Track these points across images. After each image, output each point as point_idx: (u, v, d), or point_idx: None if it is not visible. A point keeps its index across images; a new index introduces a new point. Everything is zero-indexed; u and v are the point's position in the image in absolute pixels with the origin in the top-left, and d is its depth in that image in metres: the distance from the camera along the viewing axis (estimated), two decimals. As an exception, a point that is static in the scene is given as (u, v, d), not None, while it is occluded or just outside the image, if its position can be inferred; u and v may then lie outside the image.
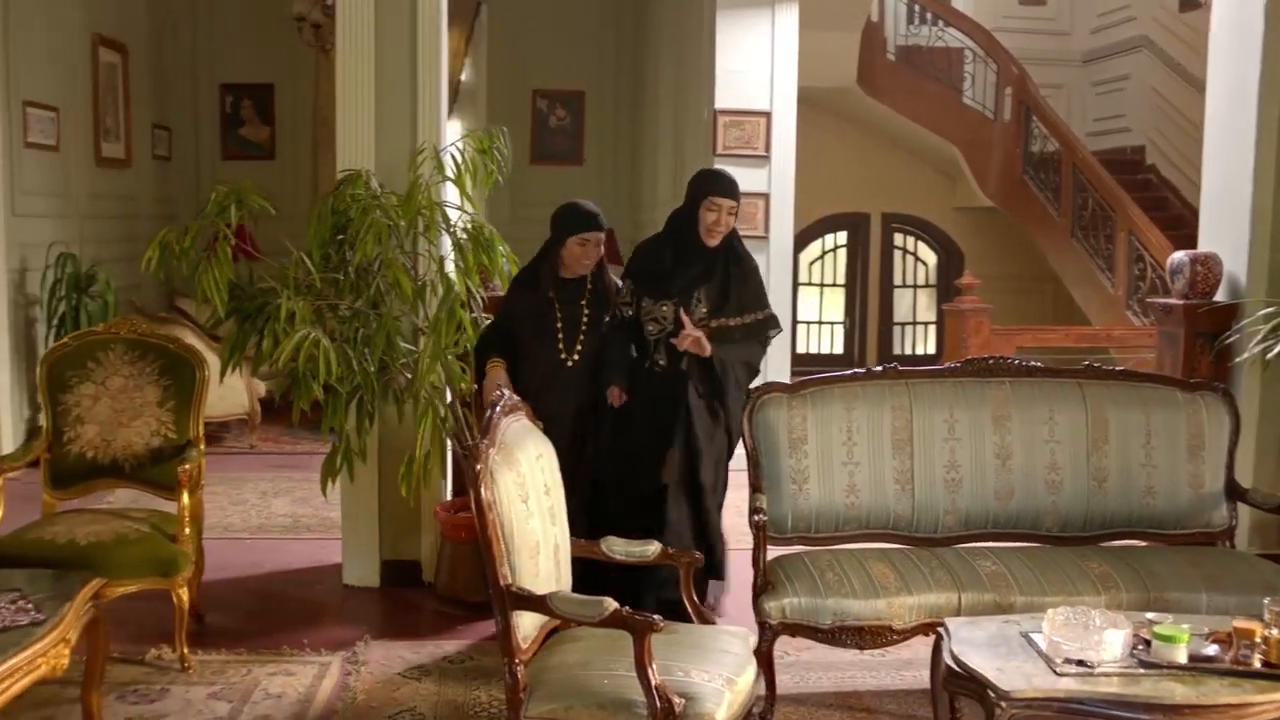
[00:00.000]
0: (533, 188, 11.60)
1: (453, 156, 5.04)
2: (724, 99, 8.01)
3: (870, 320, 12.81)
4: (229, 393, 8.12)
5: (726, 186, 4.76)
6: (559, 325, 4.96)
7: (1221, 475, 4.72)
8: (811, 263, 12.79)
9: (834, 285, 12.88)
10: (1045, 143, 11.11)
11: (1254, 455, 5.87)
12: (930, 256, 12.99)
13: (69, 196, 8.68)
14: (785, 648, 4.61)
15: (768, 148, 8.05)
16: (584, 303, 5.01)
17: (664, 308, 4.76)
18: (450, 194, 5.33)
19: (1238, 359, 5.73)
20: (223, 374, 5.02)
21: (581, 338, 4.98)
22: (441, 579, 5.44)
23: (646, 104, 10.94)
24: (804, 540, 4.55)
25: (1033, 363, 4.77)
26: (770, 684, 4.17)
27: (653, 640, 3.50)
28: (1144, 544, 4.69)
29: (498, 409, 3.49)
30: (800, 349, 12.33)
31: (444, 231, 5.09)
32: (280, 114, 11.26)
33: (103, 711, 4.02)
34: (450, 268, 5.18)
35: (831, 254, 12.88)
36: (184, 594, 4.54)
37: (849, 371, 4.75)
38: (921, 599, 4.13)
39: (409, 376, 5.06)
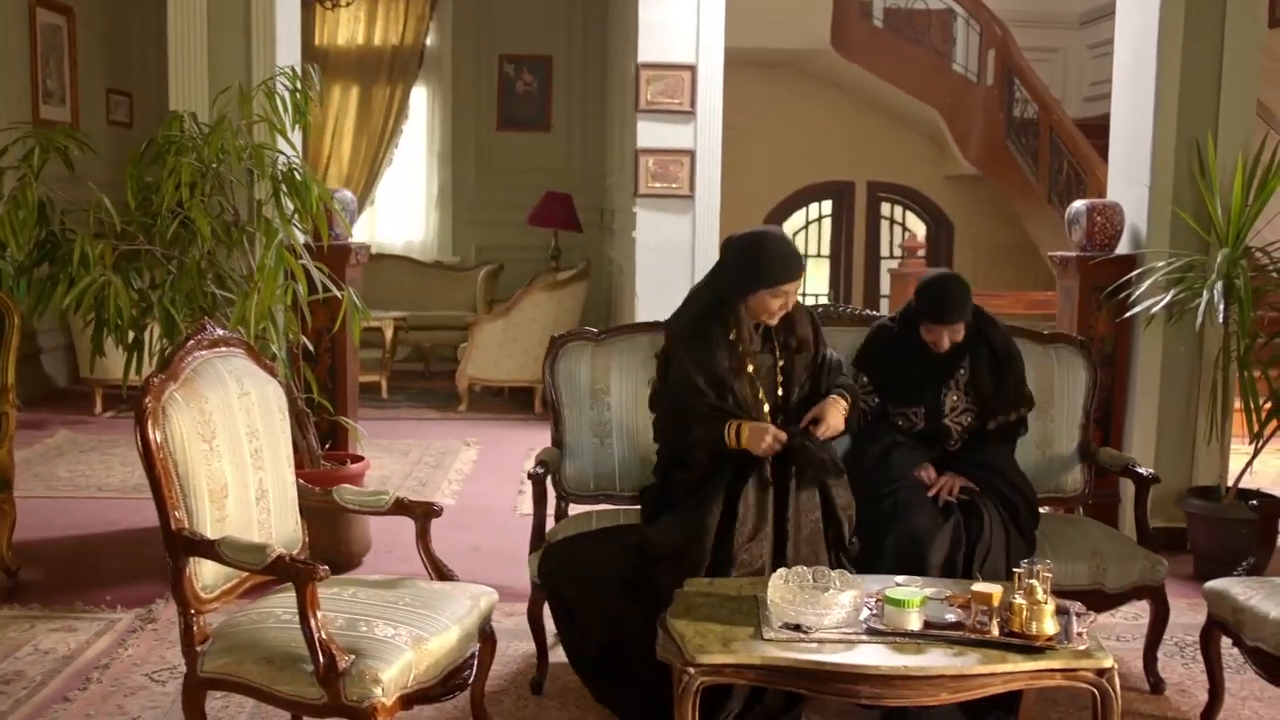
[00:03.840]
0: (499, 154, 11.36)
1: (264, 96, 4.81)
2: (647, 52, 7.66)
3: (855, 292, 12.39)
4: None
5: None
6: (779, 380, 3.76)
7: (1076, 435, 4.36)
8: (795, 233, 12.40)
9: (818, 256, 12.48)
10: (1027, 107, 10.63)
11: (1156, 421, 5.45)
12: (919, 227, 12.53)
13: (-4, 158, 8.58)
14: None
15: (693, 103, 7.67)
16: (776, 352, 3.78)
17: None
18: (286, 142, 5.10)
19: (1128, 314, 5.32)
20: (29, 318, 4.86)
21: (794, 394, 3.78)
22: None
23: (611, 68, 10.63)
24: (610, 499, 4.26)
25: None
26: (541, 649, 3.90)
27: (368, 592, 3.28)
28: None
29: (190, 342, 3.25)
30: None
31: (261, 176, 4.87)
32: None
33: None
34: (272, 213, 4.95)
35: (815, 224, 12.48)
36: (-37, 547, 4.39)
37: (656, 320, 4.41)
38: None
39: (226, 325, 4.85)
